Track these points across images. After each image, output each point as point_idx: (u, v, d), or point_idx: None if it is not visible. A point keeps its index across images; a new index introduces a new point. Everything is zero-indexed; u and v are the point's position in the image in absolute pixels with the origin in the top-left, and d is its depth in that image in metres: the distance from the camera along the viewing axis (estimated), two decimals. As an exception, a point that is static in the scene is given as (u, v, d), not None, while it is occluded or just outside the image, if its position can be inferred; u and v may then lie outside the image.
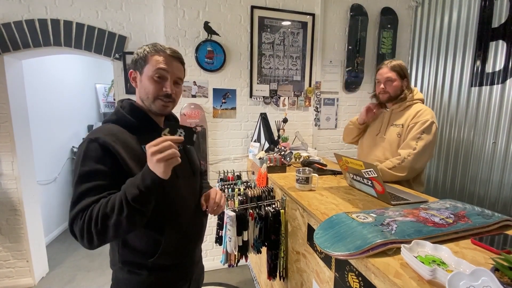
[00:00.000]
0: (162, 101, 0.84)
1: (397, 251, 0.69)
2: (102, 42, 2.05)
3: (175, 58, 0.86)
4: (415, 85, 2.55)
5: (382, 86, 1.52)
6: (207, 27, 2.14)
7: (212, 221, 2.36)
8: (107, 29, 2.04)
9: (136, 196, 0.67)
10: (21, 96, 2.14)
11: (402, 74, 1.49)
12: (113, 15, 2.04)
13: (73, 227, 0.70)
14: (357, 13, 2.45)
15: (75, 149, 3.37)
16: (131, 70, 0.87)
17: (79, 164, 0.73)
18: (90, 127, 3.68)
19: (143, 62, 0.83)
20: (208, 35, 2.15)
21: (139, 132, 0.83)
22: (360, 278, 0.76)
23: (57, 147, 3.08)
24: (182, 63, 0.89)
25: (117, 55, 2.09)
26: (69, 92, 3.29)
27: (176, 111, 2.16)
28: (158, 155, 0.66)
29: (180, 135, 0.73)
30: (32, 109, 2.46)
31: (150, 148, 0.67)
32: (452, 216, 0.84)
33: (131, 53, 2.10)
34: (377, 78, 1.56)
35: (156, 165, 0.67)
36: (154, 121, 0.88)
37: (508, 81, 1.78)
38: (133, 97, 0.91)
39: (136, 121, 0.83)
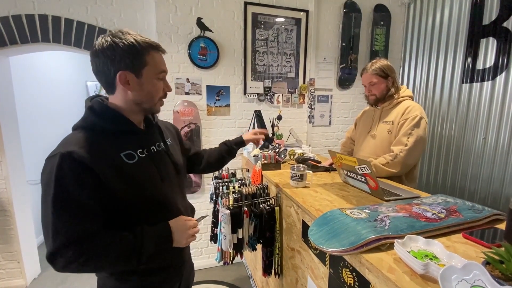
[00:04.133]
0: (162, 101, 0.82)
1: (391, 246, 0.70)
2: (92, 38, 2.00)
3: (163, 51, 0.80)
4: (407, 82, 2.57)
5: (367, 90, 1.59)
6: (200, 23, 2.11)
7: (207, 219, 2.36)
8: (97, 25, 2.00)
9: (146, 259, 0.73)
10: (9, 94, 2.09)
11: (385, 74, 1.51)
12: (103, 11, 2.00)
13: (55, 256, 0.64)
14: (351, 10, 2.45)
15: (66, 148, 3.31)
16: (121, 71, 0.72)
17: (53, 185, 0.63)
18: (81, 126, 3.61)
19: (139, 64, 0.73)
20: (201, 32, 2.13)
21: (115, 136, 0.75)
22: (354, 274, 0.76)
23: (48, 146, 3.00)
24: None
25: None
26: (59, 90, 3.21)
27: (169, 108, 2.14)
28: (193, 237, 0.83)
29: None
30: (21, 107, 2.40)
31: (191, 230, 0.83)
32: (444, 211, 0.85)
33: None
34: (362, 83, 1.62)
35: (185, 242, 0.81)
36: (131, 122, 0.79)
37: (498, 77, 1.81)
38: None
39: (112, 126, 0.75)
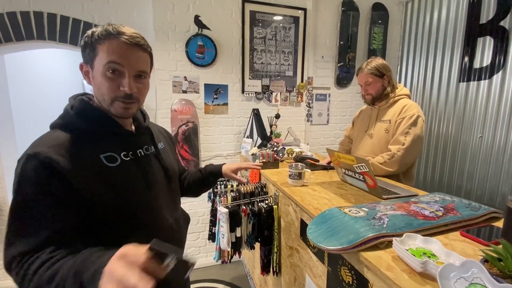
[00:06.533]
0: (122, 103, 0.67)
1: (389, 244, 0.70)
2: (88, 36, 1.98)
3: (134, 45, 0.66)
4: (405, 81, 2.58)
5: (363, 89, 1.60)
6: (197, 21, 2.10)
7: (205, 218, 2.36)
8: (94, 23, 1.98)
9: None
10: (4, 92, 2.06)
11: (380, 73, 1.52)
12: (100, 8, 1.98)
13: (8, 267, 0.57)
14: (349, 8, 2.45)
15: (62, 147, 3.28)
16: (81, 63, 0.69)
17: (14, 189, 0.58)
18: (78, 124, 3.59)
19: (92, 53, 0.65)
20: (198, 29, 2.11)
21: (96, 138, 0.68)
22: (352, 272, 0.76)
23: (44, 145, 2.99)
24: (145, 50, 0.69)
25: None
26: (56, 88, 3.19)
27: (167, 107, 2.12)
28: None
29: (167, 266, 0.43)
30: (16, 106, 2.37)
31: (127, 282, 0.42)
32: (441, 209, 0.85)
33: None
34: (358, 83, 1.63)
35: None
36: (116, 122, 0.72)
37: (494, 76, 1.82)
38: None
39: (90, 126, 0.68)
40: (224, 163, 1.11)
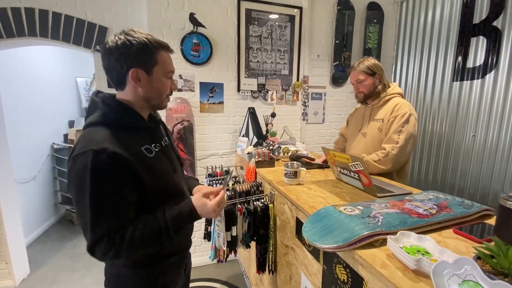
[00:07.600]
0: (168, 97, 0.87)
1: (383, 242, 0.70)
2: (81, 33, 1.95)
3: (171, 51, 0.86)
4: (400, 80, 2.60)
5: (355, 87, 1.63)
6: (192, 18, 2.08)
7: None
8: (87, 19, 1.95)
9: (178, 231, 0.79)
10: (-6, 90, 2.02)
11: (371, 72, 1.54)
12: (93, 5, 1.95)
13: (95, 248, 0.70)
14: (344, 8, 2.46)
15: (55, 146, 3.23)
16: (133, 69, 0.75)
17: (89, 180, 0.67)
18: (71, 123, 3.53)
19: (150, 63, 0.77)
20: (193, 27, 2.10)
21: (134, 132, 0.81)
22: (347, 270, 0.77)
23: (37, 144, 2.94)
24: None
25: (98, 47, 2.00)
26: (48, 86, 3.13)
27: (162, 105, 2.10)
28: (218, 208, 0.82)
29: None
30: (7, 103, 2.33)
31: (217, 204, 0.81)
32: (435, 207, 0.86)
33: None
34: (350, 81, 1.66)
35: (214, 214, 0.82)
36: (144, 119, 0.85)
37: (487, 76, 1.84)
38: (113, 91, 0.84)
39: (131, 122, 0.80)
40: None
